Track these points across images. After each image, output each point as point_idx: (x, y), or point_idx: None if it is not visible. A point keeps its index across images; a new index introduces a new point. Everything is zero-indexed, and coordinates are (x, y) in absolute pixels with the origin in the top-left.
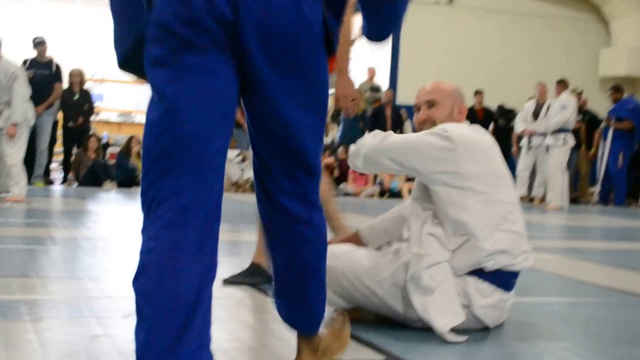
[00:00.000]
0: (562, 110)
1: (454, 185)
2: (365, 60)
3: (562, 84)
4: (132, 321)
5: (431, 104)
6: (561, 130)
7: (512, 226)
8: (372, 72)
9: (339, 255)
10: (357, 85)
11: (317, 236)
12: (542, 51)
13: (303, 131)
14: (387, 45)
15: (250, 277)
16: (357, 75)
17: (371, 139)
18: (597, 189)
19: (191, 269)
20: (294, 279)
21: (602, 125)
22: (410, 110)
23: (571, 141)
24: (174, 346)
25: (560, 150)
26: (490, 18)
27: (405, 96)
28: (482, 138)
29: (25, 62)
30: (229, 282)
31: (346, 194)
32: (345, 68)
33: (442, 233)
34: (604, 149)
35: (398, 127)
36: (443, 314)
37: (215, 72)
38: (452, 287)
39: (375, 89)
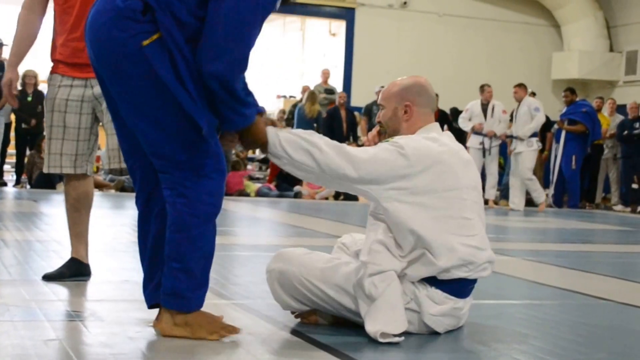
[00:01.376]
0: (537, 113)
1: (405, 201)
2: (319, 63)
3: (522, 87)
4: (80, 328)
5: (381, 107)
6: (532, 134)
7: (469, 240)
8: (326, 74)
9: (292, 259)
10: (312, 87)
11: None
12: (495, 55)
13: None
14: (341, 47)
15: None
16: (312, 77)
17: (327, 149)
18: (550, 191)
19: None
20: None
21: (555, 127)
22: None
23: (537, 144)
24: None
25: (532, 154)
26: (444, 22)
27: (359, 98)
28: (438, 150)
29: None
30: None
31: (297, 195)
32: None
33: (394, 243)
34: (557, 152)
35: (352, 129)
36: (380, 321)
37: None
38: (397, 296)
39: (330, 91)
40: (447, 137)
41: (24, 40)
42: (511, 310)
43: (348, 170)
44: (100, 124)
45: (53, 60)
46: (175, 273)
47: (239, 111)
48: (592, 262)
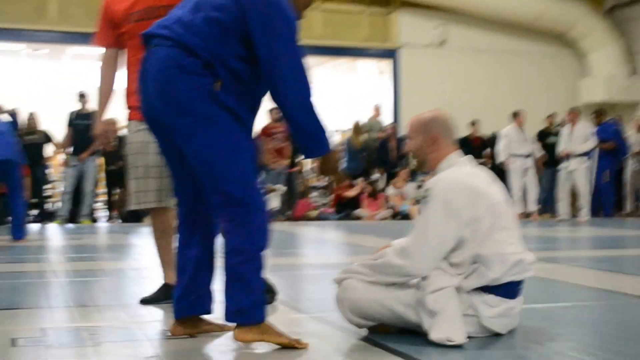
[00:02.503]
0: (592, 136)
1: (460, 234)
2: (371, 99)
3: (574, 113)
4: (176, 345)
5: (409, 138)
6: (585, 153)
7: (513, 248)
8: (377, 109)
9: (356, 287)
10: (364, 121)
11: None
12: (525, 84)
13: None
14: (389, 83)
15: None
16: (364, 111)
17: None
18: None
19: None
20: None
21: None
22: None
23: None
24: None
25: (586, 170)
26: (477, 56)
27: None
28: (470, 181)
29: (71, 114)
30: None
31: (359, 218)
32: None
33: (447, 264)
34: (591, 167)
35: (401, 156)
36: (444, 331)
37: None
38: (457, 309)
39: (380, 126)
40: (468, 160)
41: (106, 94)
42: (560, 312)
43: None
44: None
45: (129, 107)
46: (239, 292)
47: (321, 141)
48: (630, 265)
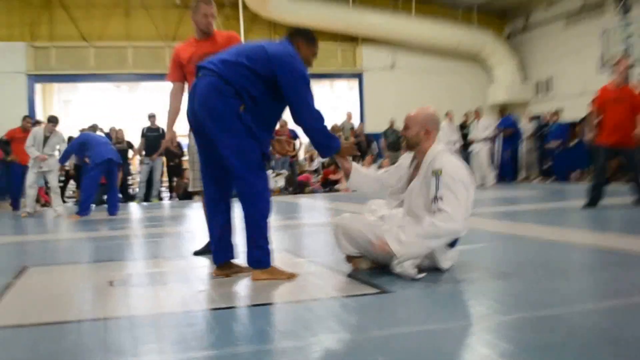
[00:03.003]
0: (489, 126)
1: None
2: (344, 108)
3: (478, 112)
4: (219, 282)
5: (405, 127)
6: (484, 139)
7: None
8: (349, 115)
9: (352, 218)
10: (339, 124)
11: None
12: (451, 91)
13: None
14: (357, 97)
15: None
16: (340, 117)
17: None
18: (495, 173)
19: None
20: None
21: (494, 132)
22: (375, 136)
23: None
24: None
25: (488, 151)
26: (417, 74)
27: (370, 127)
28: (464, 166)
29: (143, 129)
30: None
31: (338, 191)
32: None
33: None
34: (497, 148)
35: (369, 145)
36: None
37: None
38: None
39: (351, 126)
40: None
41: (174, 113)
42: (476, 250)
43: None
44: None
45: None
46: (252, 248)
47: (331, 144)
48: (522, 216)
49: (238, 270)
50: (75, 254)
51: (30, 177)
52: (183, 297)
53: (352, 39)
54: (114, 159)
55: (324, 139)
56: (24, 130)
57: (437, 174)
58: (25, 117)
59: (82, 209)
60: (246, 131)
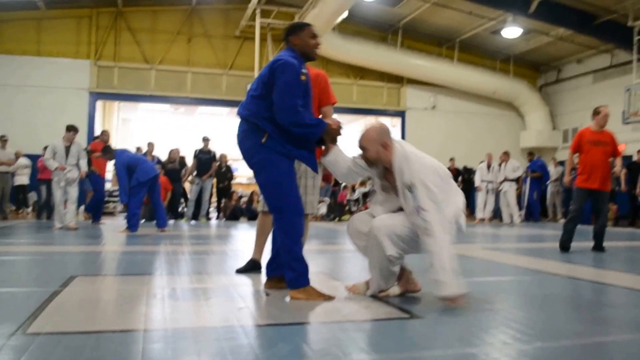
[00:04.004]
0: (517, 169)
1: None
2: None
3: (507, 154)
4: (259, 299)
5: (363, 149)
6: (512, 179)
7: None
8: None
9: (390, 217)
10: None
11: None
12: (489, 133)
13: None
14: (398, 133)
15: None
16: None
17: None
18: (522, 212)
19: None
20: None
21: (523, 175)
22: None
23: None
24: None
25: (514, 191)
26: (457, 116)
27: None
28: (432, 165)
29: (196, 150)
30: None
31: None
32: None
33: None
34: (525, 189)
35: None
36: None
37: None
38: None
39: None
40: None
41: None
42: (501, 284)
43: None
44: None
45: None
46: (288, 271)
47: (314, 129)
48: (547, 252)
49: (283, 286)
50: (124, 266)
51: (58, 193)
52: (224, 312)
53: (397, 79)
54: (157, 174)
55: (305, 130)
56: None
57: (410, 189)
58: (103, 131)
59: (132, 224)
60: (275, 159)
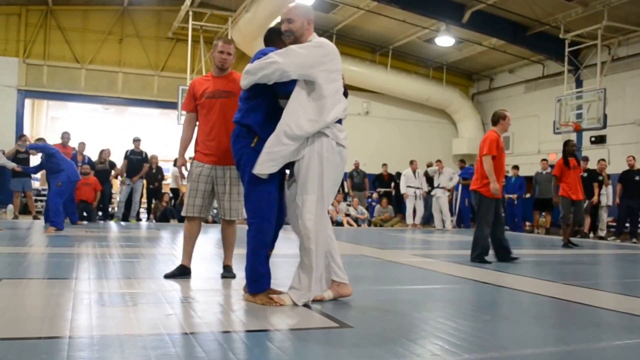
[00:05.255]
0: (453, 176)
1: None
2: None
3: (440, 162)
4: (187, 307)
5: (289, 21)
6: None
7: None
8: None
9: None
10: None
11: None
12: (419, 140)
13: None
14: None
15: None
16: None
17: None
18: (454, 218)
19: None
20: None
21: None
22: (345, 175)
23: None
24: None
25: (447, 197)
26: (389, 122)
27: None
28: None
29: (127, 151)
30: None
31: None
32: None
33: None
34: (457, 196)
35: (342, 186)
36: None
37: None
38: None
39: None
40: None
41: (186, 141)
42: (432, 291)
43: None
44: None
45: (195, 150)
46: (251, 273)
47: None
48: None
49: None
50: (51, 269)
51: None
52: (152, 319)
53: None
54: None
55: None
56: (64, 147)
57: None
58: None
59: (59, 222)
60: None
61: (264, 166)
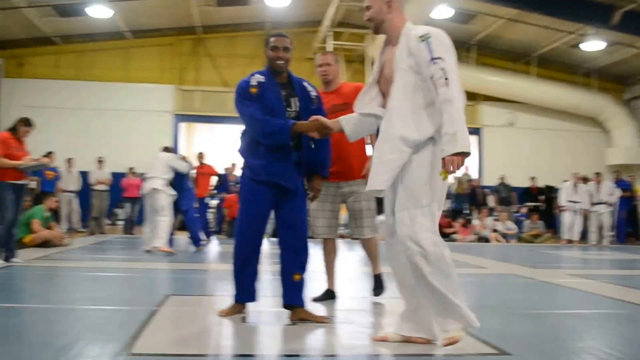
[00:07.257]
0: (615, 191)
1: None
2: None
3: (600, 175)
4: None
5: (368, 7)
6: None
7: None
8: (467, 168)
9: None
10: (460, 175)
11: None
12: (568, 151)
13: None
14: (475, 151)
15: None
16: (459, 171)
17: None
18: (613, 233)
19: None
20: None
21: None
22: (490, 188)
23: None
24: None
25: (609, 214)
26: (536, 133)
27: (488, 181)
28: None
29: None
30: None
31: (454, 240)
32: None
33: None
34: (616, 207)
35: (484, 199)
36: None
37: None
38: None
39: (469, 178)
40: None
41: None
42: (586, 319)
43: None
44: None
45: None
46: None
47: (277, 137)
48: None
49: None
50: (217, 285)
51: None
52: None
53: (472, 96)
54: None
55: (272, 136)
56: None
57: (425, 38)
58: (199, 154)
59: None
60: (245, 183)
61: (377, 180)
